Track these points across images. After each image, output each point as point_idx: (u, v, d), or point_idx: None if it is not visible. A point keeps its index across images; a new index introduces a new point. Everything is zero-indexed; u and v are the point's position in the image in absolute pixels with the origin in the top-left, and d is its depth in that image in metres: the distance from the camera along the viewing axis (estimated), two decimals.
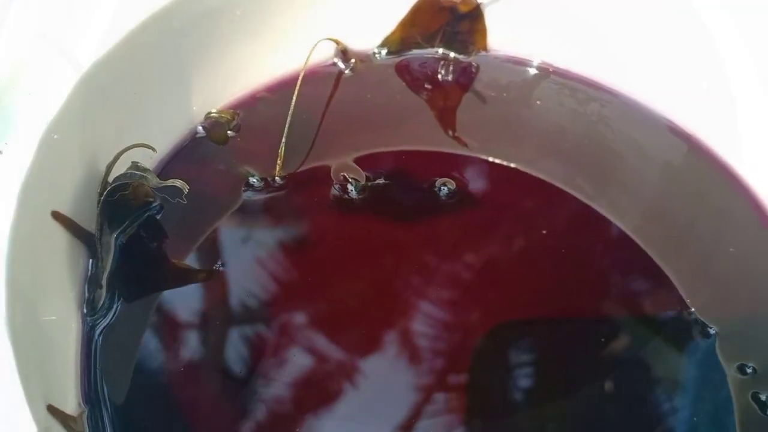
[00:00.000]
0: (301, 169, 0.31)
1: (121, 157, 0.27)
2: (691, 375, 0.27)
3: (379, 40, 0.35)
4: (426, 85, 0.36)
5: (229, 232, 0.30)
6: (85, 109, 0.25)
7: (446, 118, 0.35)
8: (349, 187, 0.31)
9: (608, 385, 0.27)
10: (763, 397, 0.26)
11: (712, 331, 0.28)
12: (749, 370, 0.27)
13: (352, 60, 0.34)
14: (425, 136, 0.35)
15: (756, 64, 0.31)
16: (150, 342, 0.26)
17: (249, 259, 0.29)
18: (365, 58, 0.35)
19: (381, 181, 0.31)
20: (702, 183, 0.32)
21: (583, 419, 0.27)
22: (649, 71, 0.33)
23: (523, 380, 0.27)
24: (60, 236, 0.25)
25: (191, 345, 0.27)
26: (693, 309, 0.28)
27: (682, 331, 0.28)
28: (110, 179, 0.27)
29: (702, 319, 0.28)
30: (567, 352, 0.28)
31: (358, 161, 0.32)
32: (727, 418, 0.26)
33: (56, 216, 0.24)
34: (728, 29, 0.31)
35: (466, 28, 0.34)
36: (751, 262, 0.30)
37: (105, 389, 0.24)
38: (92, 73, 0.25)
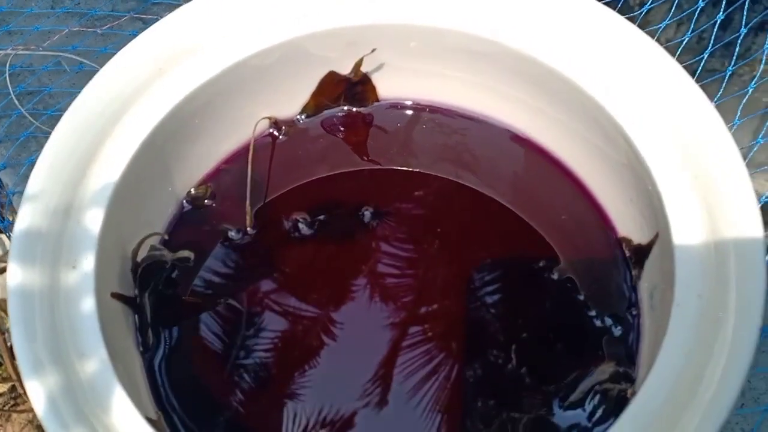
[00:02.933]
0: (263, 218, 0.44)
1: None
2: (550, 306, 0.42)
3: (299, 109, 0.47)
4: (340, 129, 0.48)
5: (220, 272, 0.43)
6: (118, 218, 0.37)
7: (359, 149, 0.48)
8: (300, 225, 0.44)
9: (506, 323, 0.41)
10: (591, 313, 0.41)
11: (555, 277, 0.42)
12: (581, 297, 0.41)
13: (283, 127, 0.47)
14: (347, 164, 0.48)
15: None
16: (191, 359, 0.39)
17: (240, 288, 0.42)
18: (292, 124, 0.47)
19: (322, 217, 0.44)
20: (536, 173, 0.45)
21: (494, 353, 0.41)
22: (493, 95, 0.46)
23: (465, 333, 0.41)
24: (116, 305, 0.38)
25: (221, 355, 0.40)
26: (542, 262, 0.42)
27: (544, 277, 0.42)
28: (138, 259, 0.39)
29: (557, 265, 0.42)
30: (483, 307, 0.42)
31: (303, 202, 0.45)
32: (575, 329, 0.41)
33: (113, 295, 0.37)
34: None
35: (360, 89, 0.47)
36: (581, 226, 0.43)
37: (170, 400, 0.38)
38: (117, 191, 0.37)
